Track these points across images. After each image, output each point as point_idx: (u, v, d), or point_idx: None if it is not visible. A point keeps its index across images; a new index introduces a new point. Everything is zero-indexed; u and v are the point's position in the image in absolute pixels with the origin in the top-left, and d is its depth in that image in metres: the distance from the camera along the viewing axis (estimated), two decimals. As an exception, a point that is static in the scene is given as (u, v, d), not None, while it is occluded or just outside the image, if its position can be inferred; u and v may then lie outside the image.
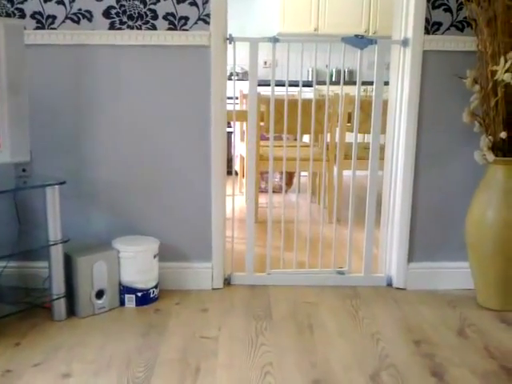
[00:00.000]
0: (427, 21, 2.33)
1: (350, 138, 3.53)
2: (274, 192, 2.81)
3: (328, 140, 3.70)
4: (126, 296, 2.29)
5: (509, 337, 2.08)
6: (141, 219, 2.46)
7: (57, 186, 2.08)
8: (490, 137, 2.24)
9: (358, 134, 2.58)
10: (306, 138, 4.87)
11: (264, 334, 2.06)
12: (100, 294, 2.23)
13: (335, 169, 3.69)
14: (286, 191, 4.64)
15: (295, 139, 4.46)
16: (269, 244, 2.60)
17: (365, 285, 2.57)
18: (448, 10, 2.33)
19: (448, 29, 2.35)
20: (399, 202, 2.49)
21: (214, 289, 2.50)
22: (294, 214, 2.63)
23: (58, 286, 2.14)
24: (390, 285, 2.58)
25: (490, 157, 2.23)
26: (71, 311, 2.20)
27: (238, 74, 5.97)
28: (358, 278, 2.59)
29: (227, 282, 2.56)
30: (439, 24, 2.34)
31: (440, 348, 1.98)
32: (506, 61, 2.09)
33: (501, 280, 2.29)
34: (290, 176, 4.70)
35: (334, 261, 2.62)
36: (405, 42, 2.38)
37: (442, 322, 2.20)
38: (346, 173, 3.71)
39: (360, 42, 2.42)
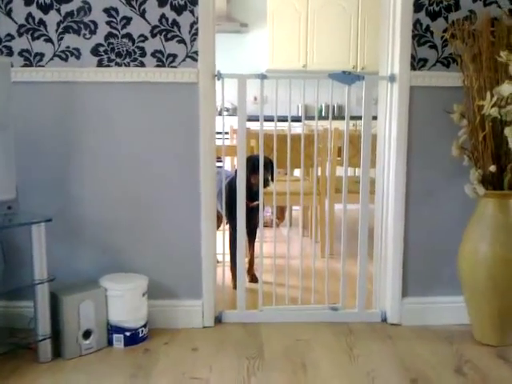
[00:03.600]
0: (413, 57, 2.37)
1: (340, 171, 3.53)
2: (265, 226, 2.79)
3: (319, 174, 3.70)
4: (114, 336, 2.23)
5: (507, 374, 2.03)
6: (129, 256, 2.41)
7: (43, 224, 2.05)
8: (479, 170, 2.24)
9: (348, 168, 2.58)
10: (297, 173, 4.88)
11: (256, 375, 2.00)
12: (87, 334, 2.16)
13: (326, 202, 3.67)
14: (278, 225, 4.62)
15: (286, 173, 4.46)
16: (260, 280, 2.55)
17: (359, 321, 2.52)
18: (433, 46, 2.37)
19: (434, 65, 2.38)
20: (391, 236, 2.47)
21: (204, 327, 2.44)
22: (286, 249, 2.59)
23: (44, 327, 2.07)
24: (384, 320, 2.53)
25: (481, 190, 2.22)
26: (57, 352, 2.13)
27: (228, 110, 6.02)
28: (352, 314, 2.54)
29: (218, 319, 2.50)
30: (425, 60, 2.38)
31: (437, 386, 1.93)
32: (492, 96, 2.11)
33: (496, 315, 2.25)
34: (281, 210, 4.68)
35: (327, 296, 2.57)
36: (391, 78, 2.41)
37: (438, 359, 2.16)
38: (338, 206, 3.69)
39: (347, 78, 2.45)
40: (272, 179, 2.84)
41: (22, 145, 2.31)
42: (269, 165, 2.71)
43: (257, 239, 3.03)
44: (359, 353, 2.20)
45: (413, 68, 2.37)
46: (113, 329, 2.22)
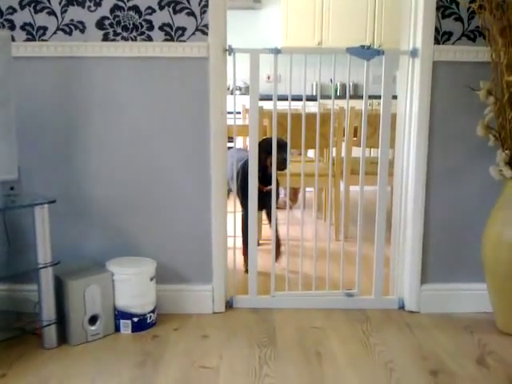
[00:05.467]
0: (437, 30, 2.23)
1: (356, 152, 3.41)
2: (277, 208, 2.68)
3: (334, 155, 3.58)
4: (122, 321, 2.16)
5: (532, 365, 1.93)
6: (136, 239, 2.33)
7: (46, 205, 1.97)
8: (506, 151, 2.11)
9: (365, 149, 2.46)
10: (311, 153, 4.76)
11: (268, 364, 1.92)
12: (93, 320, 2.09)
13: (342, 184, 3.56)
14: (291, 207, 4.51)
15: (299, 154, 4.35)
16: (273, 264, 2.47)
17: (375, 308, 2.43)
18: (459, 19, 2.23)
19: (459, 38, 2.24)
20: (410, 220, 2.36)
21: (214, 313, 2.36)
22: (300, 232, 2.49)
23: (49, 312, 2.01)
24: (402, 307, 2.43)
25: (508, 173, 2.10)
26: (63, 338, 2.07)
27: (240, 89, 5.89)
28: (368, 300, 2.45)
29: (229, 305, 2.42)
30: (450, 34, 2.23)
31: (459, 379, 1.83)
32: (523, 70, 1.97)
33: (520, 302, 2.14)
34: (294, 191, 4.57)
35: (342, 281, 2.48)
36: (413, 53, 2.27)
37: (459, 349, 2.06)
38: (353, 188, 3.59)
39: (366, 52, 2.31)
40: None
41: (24, 122, 2.22)
42: (284, 146, 2.60)
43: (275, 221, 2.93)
44: (376, 342, 2.11)
45: (436, 42, 2.23)
46: (120, 314, 2.15)
